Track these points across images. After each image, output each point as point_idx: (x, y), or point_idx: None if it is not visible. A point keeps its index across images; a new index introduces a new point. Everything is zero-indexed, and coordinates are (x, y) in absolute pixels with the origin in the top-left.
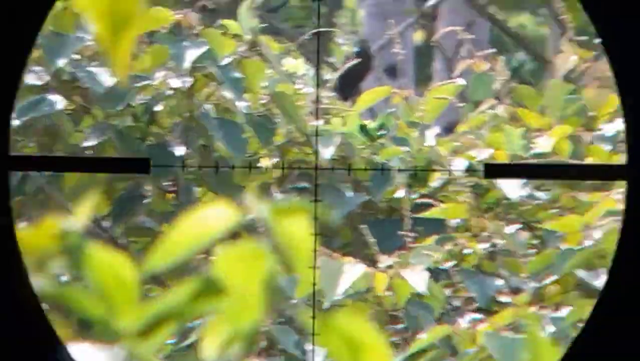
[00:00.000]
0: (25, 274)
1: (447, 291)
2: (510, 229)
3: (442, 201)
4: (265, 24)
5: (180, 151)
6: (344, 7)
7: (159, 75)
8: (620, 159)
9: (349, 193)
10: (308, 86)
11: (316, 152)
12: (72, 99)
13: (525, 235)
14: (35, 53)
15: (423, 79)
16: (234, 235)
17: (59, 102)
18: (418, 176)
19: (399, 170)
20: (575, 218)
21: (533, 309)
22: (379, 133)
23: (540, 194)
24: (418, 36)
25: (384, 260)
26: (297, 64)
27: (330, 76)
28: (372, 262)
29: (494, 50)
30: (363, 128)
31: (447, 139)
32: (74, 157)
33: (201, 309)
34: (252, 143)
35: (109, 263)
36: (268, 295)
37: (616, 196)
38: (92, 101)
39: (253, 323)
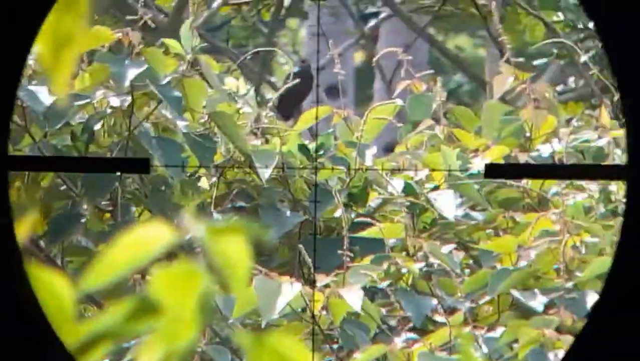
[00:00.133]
0: (25, 274)
1: (383, 311)
2: (445, 249)
3: (379, 221)
4: (206, 43)
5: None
6: (285, 27)
7: (99, 93)
8: (556, 182)
9: (288, 212)
10: (248, 106)
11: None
12: (11, 118)
13: (460, 255)
14: None
15: (364, 99)
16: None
17: None
18: (356, 195)
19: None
20: (511, 239)
21: (467, 329)
22: (318, 153)
23: (476, 214)
24: (359, 57)
25: (322, 279)
26: (237, 84)
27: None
28: (309, 281)
29: (432, 71)
30: (303, 148)
31: (385, 159)
32: (73, 157)
33: (137, 329)
34: (192, 162)
35: (45, 282)
36: (204, 315)
37: (552, 216)
38: (31, 120)
39: (188, 343)
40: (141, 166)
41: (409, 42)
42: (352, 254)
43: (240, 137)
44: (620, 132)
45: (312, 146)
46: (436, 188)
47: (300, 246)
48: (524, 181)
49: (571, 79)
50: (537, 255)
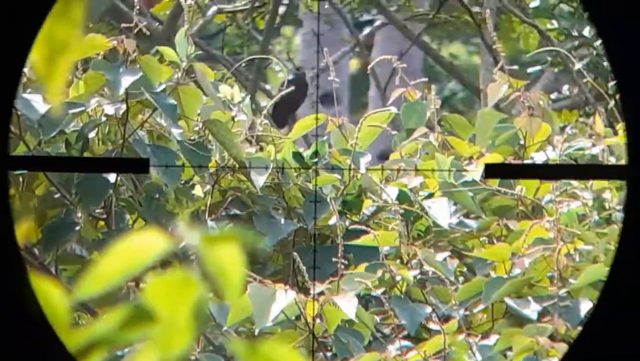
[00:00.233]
0: (25, 274)
1: (377, 318)
2: (440, 256)
3: (373, 229)
4: (201, 51)
5: (112, 177)
6: (280, 34)
7: (94, 101)
8: (550, 189)
9: (282, 220)
10: (243, 113)
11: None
12: (11, 118)
13: (454, 263)
14: None
15: (358, 107)
16: (164, 263)
17: None
18: (350, 203)
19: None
20: (504, 246)
21: (461, 337)
22: (312, 161)
23: (470, 222)
24: (353, 64)
25: (316, 287)
26: (232, 91)
27: (265, 102)
28: (303, 289)
29: (426, 79)
30: (297, 155)
31: (379, 167)
32: (73, 157)
33: (131, 336)
34: (187, 170)
35: (40, 290)
36: (197, 323)
37: (546, 224)
38: (26, 128)
39: (182, 351)
40: (141, 166)
41: (403, 49)
42: (346, 262)
43: (235, 145)
44: (615, 140)
45: (306, 153)
46: (430, 195)
47: (295, 253)
48: (517, 189)
49: (565, 87)
50: (531, 263)
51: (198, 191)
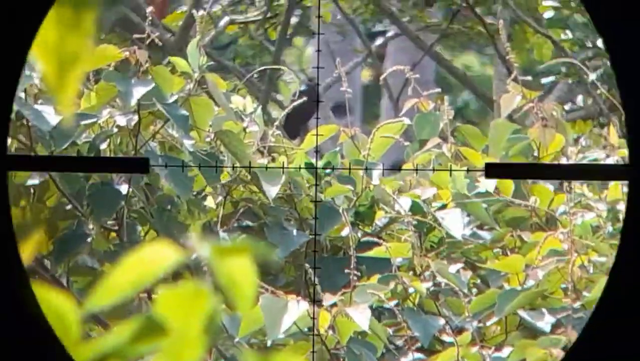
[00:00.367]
0: (25, 274)
1: (390, 330)
2: (453, 268)
3: (386, 240)
4: (213, 62)
5: (123, 189)
6: (292, 45)
7: (105, 113)
8: (564, 200)
9: (294, 231)
10: (255, 124)
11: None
12: (17, 137)
13: (468, 274)
14: None
15: (370, 118)
16: (176, 275)
17: None
18: (362, 214)
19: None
20: (518, 258)
21: (475, 349)
22: (325, 172)
23: (483, 234)
24: (366, 75)
25: (328, 298)
26: (244, 102)
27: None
28: (315, 300)
29: (439, 89)
30: (309, 166)
31: (392, 178)
32: (72, 157)
33: (142, 349)
34: (198, 181)
35: (50, 303)
36: (210, 335)
37: (560, 236)
38: (37, 139)
39: None
40: (141, 165)
41: (416, 60)
42: (359, 274)
43: (247, 156)
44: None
45: (318, 164)
46: (444, 206)
47: (307, 265)
48: (531, 200)
49: (579, 98)
50: (545, 275)
51: (210, 202)
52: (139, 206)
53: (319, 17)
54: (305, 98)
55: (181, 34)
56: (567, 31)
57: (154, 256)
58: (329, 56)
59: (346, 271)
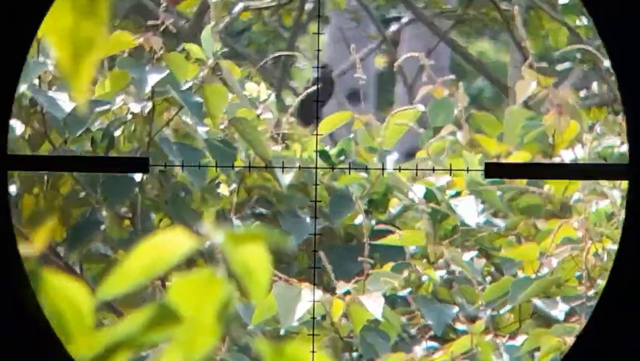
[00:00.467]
0: (25, 274)
1: (404, 319)
2: (467, 256)
3: (399, 228)
4: (228, 49)
5: (137, 176)
6: (306, 31)
7: (119, 99)
8: (579, 188)
9: (308, 219)
10: (269, 111)
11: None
12: (31, 124)
13: (481, 262)
14: None
15: (385, 105)
16: (190, 262)
17: (18, 127)
18: (376, 202)
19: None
20: (532, 246)
21: (489, 337)
22: (339, 159)
23: (497, 221)
24: (380, 61)
25: (341, 286)
26: (259, 89)
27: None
28: (329, 288)
29: (454, 76)
30: (323, 154)
31: (406, 165)
32: (71, 156)
33: (156, 337)
34: (212, 169)
35: (64, 290)
36: (223, 323)
37: (574, 223)
38: (51, 126)
39: (207, 351)
40: (140, 165)
41: (431, 46)
42: (372, 261)
43: (261, 143)
44: None
45: (332, 151)
46: (458, 194)
47: (321, 252)
48: (546, 188)
49: (594, 84)
50: (559, 263)
51: (224, 189)
52: (153, 193)
53: (318, 16)
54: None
55: (195, 20)
56: (582, 17)
57: (168, 243)
58: (343, 43)
59: (359, 259)
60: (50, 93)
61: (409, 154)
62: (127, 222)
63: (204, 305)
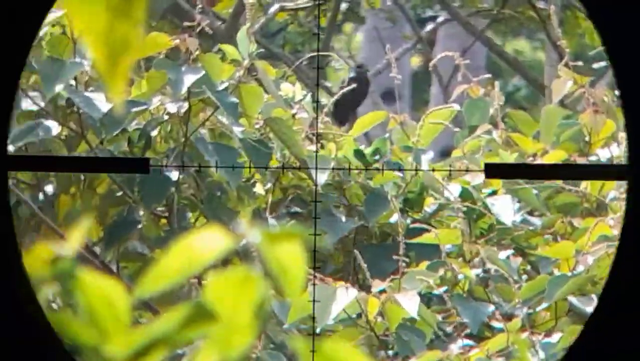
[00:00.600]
0: (25, 274)
1: (439, 317)
2: (503, 254)
3: (435, 227)
4: (263, 49)
5: (174, 175)
6: (341, 31)
7: (156, 100)
8: (615, 186)
9: (343, 218)
10: (304, 111)
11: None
12: (68, 124)
13: (518, 261)
14: (32, 78)
15: (420, 104)
16: (226, 261)
17: (54, 128)
18: (412, 200)
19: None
20: (568, 244)
21: (525, 335)
22: (374, 158)
23: (534, 220)
24: (415, 61)
25: (377, 285)
26: (294, 89)
27: (326, 100)
28: (364, 287)
29: (489, 75)
30: (358, 153)
31: (441, 164)
32: (72, 157)
33: (192, 335)
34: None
35: (100, 289)
36: (259, 321)
37: (610, 221)
38: (88, 126)
39: (243, 349)
40: (140, 166)
41: (466, 46)
42: (407, 260)
43: (296, 143)
44: None
45: (367, 151)
46: (494, 193)
47: (356, 251)
48: (582, 186)
49: None
50: (595, 260)
51: (259, 189)
52: (189, 192)
53: (318, 16)
54: (354, 85)
55: (231, 21)
56: None
57: (204, 242)
58: (379, 42)
59: (394, 257)
60: (87, 93)
61: (444, 153)
62: (163, 221)
63: (240, 304)
